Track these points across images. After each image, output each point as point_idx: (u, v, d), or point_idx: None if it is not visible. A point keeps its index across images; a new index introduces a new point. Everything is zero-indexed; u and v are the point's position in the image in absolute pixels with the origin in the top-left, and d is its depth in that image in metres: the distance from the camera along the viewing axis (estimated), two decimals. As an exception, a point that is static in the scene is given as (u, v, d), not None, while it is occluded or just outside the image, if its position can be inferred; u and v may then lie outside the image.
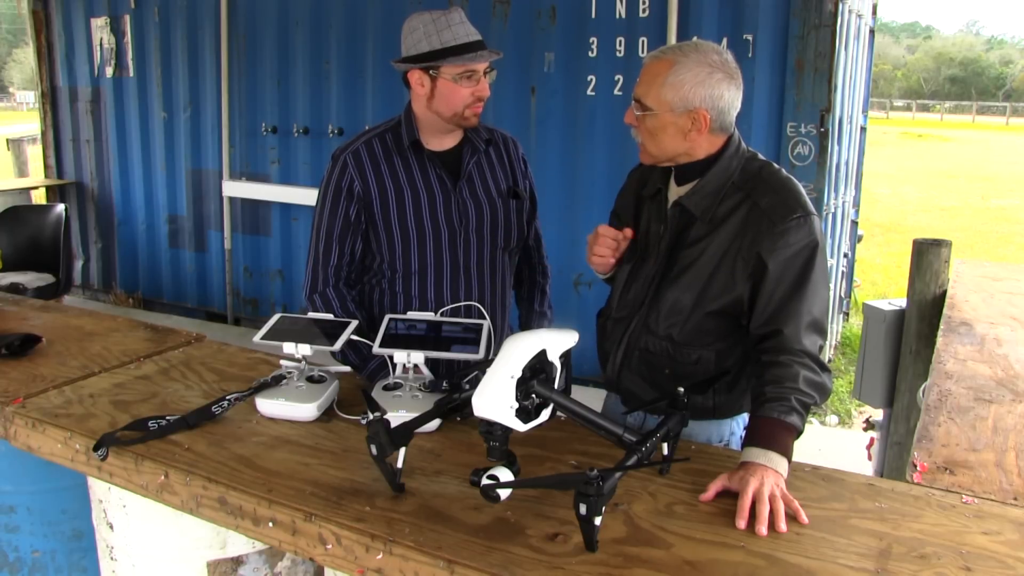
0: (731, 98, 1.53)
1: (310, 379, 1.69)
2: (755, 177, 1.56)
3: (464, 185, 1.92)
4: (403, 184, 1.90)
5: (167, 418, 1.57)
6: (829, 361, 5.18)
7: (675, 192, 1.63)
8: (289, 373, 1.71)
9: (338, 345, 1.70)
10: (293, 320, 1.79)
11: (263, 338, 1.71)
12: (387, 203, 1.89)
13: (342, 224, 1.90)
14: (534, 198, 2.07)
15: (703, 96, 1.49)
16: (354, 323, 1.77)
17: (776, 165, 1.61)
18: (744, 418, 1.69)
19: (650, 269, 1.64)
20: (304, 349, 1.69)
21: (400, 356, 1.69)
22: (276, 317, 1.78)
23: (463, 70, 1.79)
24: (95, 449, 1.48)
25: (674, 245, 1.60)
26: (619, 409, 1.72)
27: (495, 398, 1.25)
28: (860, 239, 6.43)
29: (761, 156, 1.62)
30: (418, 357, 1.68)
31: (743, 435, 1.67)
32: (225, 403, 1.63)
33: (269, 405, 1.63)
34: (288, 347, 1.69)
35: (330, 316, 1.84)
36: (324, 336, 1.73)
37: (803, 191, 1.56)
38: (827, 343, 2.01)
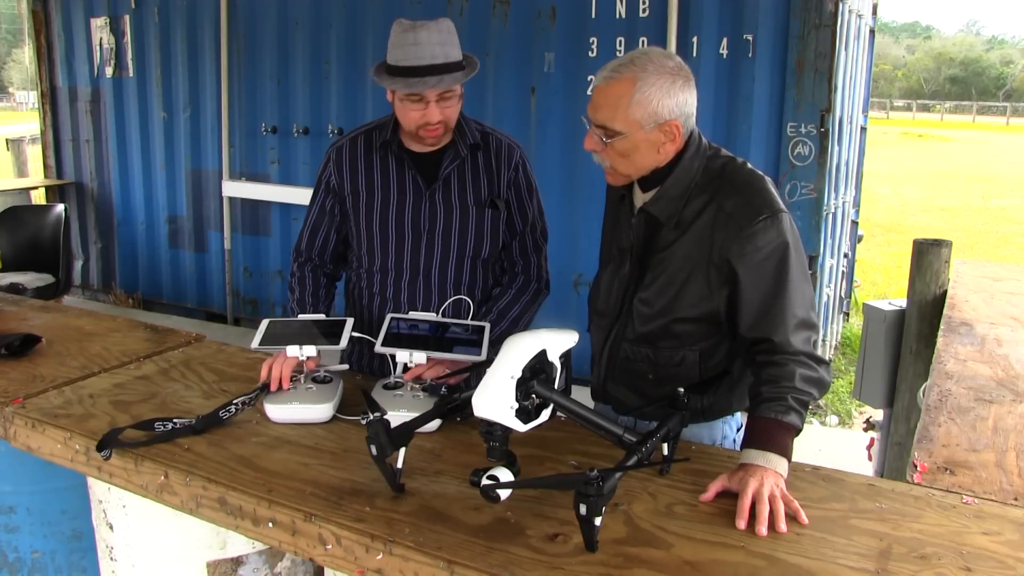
0: (693, 102, 1.49)
1: (315, 379, 1.69)
2: (718, 177, 1.52)
3: (438, 189, 1.89)
4: (376, 183, 1.91)
5: (174, 420, 1.56)
6: (829, 361, 5.17)
7: (640, 198, 1.60)
8: (295, 376, 1.70)
9: (343, 343, 1.69)
10: (285, 323, 1.78)
11: (260, 344, 1.70)
12: (358, 199, 1.92)
13: (317, 213, 1.99)
14: (523, 210, 1.95)
15: (671, 107, 1.45)
16: (351, 321, 1.77)
17: (739, 160, 1.56)
18: (735, 419, 1.68)
19: (624, 277, 1.62)
20: (309, 350, 1.69)
21: (402, 356, 1.69)
22: (266, 322, 1.77)
23: (406, 93, 1.75)
24: (99, 449, 1.47)
25: (644, 252, 1.58)
26: (609, 415, 1.71)
27: (495, 398, 1.25)
28: (860, 239, 6.43)
29: (724, 152, 1.57)
30: (420, 357, 1.68)
31: (736, 436, 1.67)
32: (233, 408, 1.61)
33: (281, 410, 1.61)
34: (292, 350, 1.68)
35: (322, 316, 1.84)
36: (322, 336, 1.73)
37: (770, 186, 1.52)
38: (821, 335, 2.00)
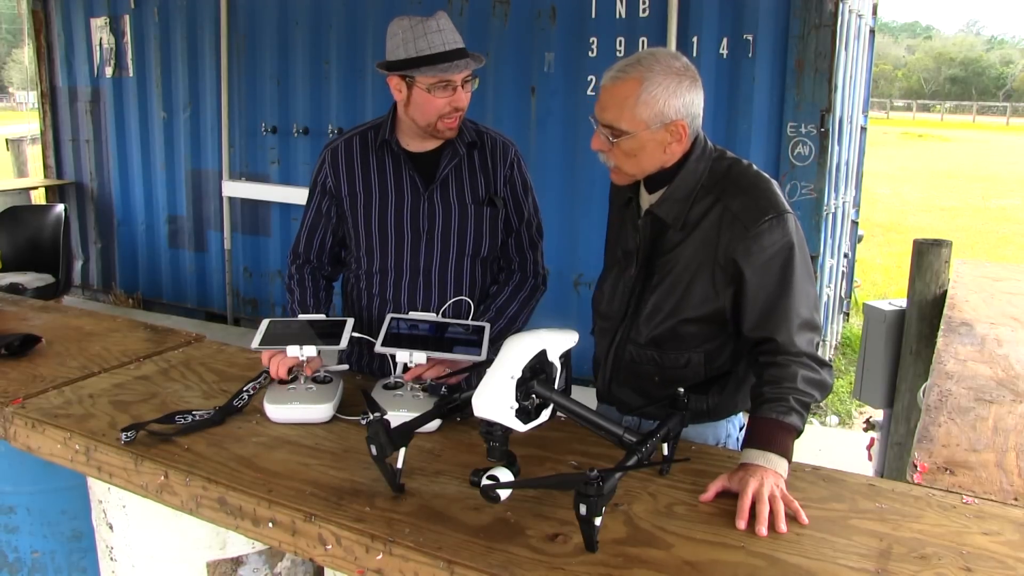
0: (700, 102, 1.49)
1: (315, 379, 1.69)
2: (724, 178, 1.53)
3: (437, 189, 1.89)
4: (373, 183, 1.91)
5: (194, 413, 1.59)
6: (829, 361, 5.17)
7: (646, 200, 1.60)
8: (295, 377, 1.70)
9: (343, 343, 1.69)
10: (285, 324, 1.78)
11: (260, 344, 1.70)
12: (355, 201, 1.92)
13: (314, 215, 1.98)
14: (519, 207, 1.96)
15: (677, 107, 1.46)
16: (351, 321, 1.77)
17: (745, 161, 1.57)
18: (739, 418, 1.69)
19: (630, 280, 1.62)
20: (309, 351, 1.69)
21: (402, 356, 1.69)
22: (266, 322, 1.77)
23: (436, 80, 1.75)
24: (123, 430, 1.50)
25: (651, 254, 1.58)
26: (613, 415, 1.71)
27: (495, 398, 1.25)
28: (860, 239, 6.43)
29: (729, 153, 1.58)
30: (420, 357, 1.68)
31: (739, 436, 1.67)
32: (245, 396, 1.66)
33: (281, 410, 1.61)
34: (292, 350, 1.68)
35: (322, 316, 1.84)
36: (321, 336, 1.72)
37: (775, 188, 1.52)
38: (822, 336, 2.00)
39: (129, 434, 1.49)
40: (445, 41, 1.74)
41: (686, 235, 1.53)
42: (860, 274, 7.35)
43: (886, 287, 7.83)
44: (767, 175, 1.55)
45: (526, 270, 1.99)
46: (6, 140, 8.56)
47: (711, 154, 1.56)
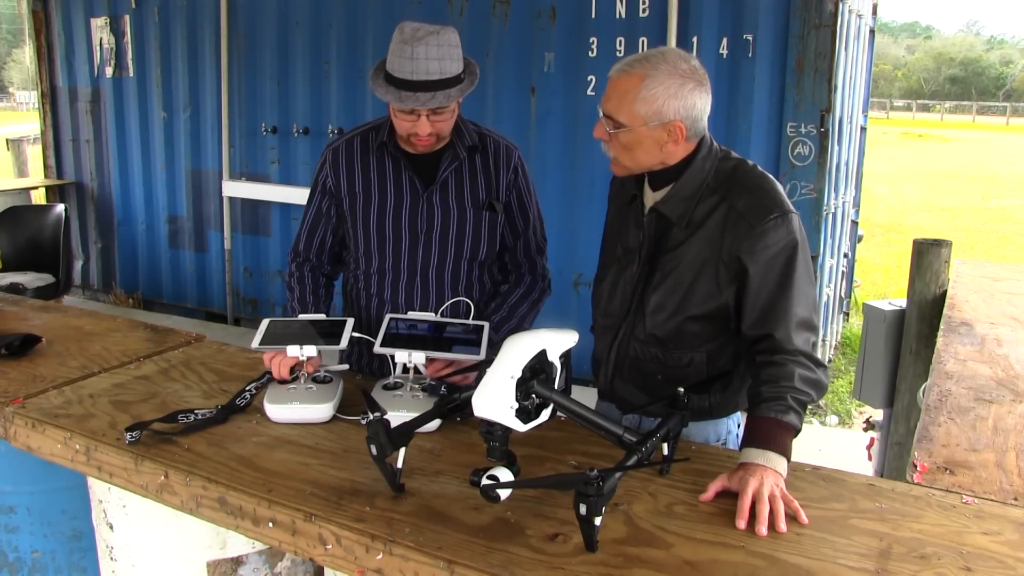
0: (703, 106, 1.50)
1: (315, 379, 1.69)
2: (730, 178, 1.54)
3: (436, 191, 1.89)
4: (373, 184, 1.90)
5: (196, 412, 1.60)
6: (829, 361, 5.18)
7: (651, 198, 1.61)
8: (296, 376, 1.70)
9: (344, 343, 1.70)
10: (285, 323, 1.78)
11: (260, 344, 1.70)
12: (355, 201, 1.91)
13: (314, 215, 1.98)
14: (525, 212, 1.96)
15: (676, 108, 1.47)
16: (351, 321, 1.77)
17: (751, 162, 1.58)
18: (740, 416, 1.69)
19: (632, 277, 1.63)
20: (309, 350, 1.69)
21: (401, 356, 1.69)
22: (266, 322, 1.77)
23: (397, 105, 1.73)
24: (127, 430, 1.50)
25: (654, 251, 1.59)
26: (613, 414, 1.71)
27: (495, 398, 1.25)
28: (860, 239, 6.43)
29: (734, 154, 1.60)
30: (419, 357, 1.68)
31: (739, 433, 1.68)
32: (247, 395, 1.67)
33: (281, 410, 1.61)
34: (292, 350, 1.68)
35: (322, 316, 1.84)
36: (321, 336, 1.73)
37: (780, 188, 1.54)
38: (819, 338, 1.99)
39: (134, 434, 1.49)
40: (415, 70, 1.68)
41: (690, 233, 1.54)
42: (860, 274, 7.35)
43: (886, 287, 7.83)
44: (771, 176, 1.57)
45: (535, 275, 2.00)
46: (6, 140, 8.57)
47: (717, 154, 1.57)
